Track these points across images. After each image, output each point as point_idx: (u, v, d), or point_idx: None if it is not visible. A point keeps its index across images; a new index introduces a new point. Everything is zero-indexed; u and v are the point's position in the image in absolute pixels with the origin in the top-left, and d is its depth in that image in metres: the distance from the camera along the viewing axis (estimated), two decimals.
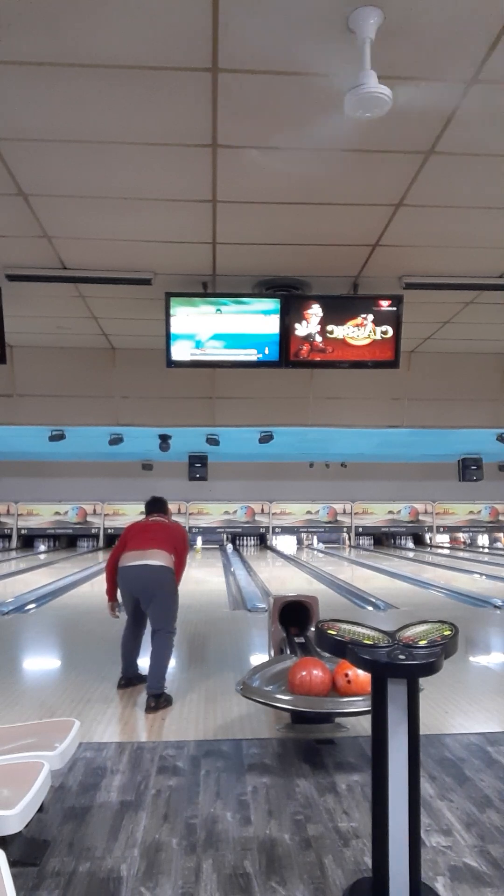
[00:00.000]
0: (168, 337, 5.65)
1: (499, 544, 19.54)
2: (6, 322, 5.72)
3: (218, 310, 5.63)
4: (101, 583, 12.15)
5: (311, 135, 3.55)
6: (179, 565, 4.78)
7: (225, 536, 18.90)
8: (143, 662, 4.63)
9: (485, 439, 10.99)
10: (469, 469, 16.17)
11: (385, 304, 5.69)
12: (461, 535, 19.88)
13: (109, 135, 3.56)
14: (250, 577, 12.21)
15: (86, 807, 2.98)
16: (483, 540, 19.77)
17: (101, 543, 18.78)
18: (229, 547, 18.51)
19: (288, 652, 4.34)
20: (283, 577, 12.98)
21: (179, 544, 4.83)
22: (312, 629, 4.50)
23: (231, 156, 3.76)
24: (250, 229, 4.75)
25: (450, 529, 19.79)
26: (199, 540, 18.49)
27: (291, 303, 5.66)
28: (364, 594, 9.75)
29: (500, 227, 4.72)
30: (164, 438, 11.26)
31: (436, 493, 19.23)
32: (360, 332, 5.73)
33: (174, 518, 5.36)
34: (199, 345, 5.72)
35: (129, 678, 4.75)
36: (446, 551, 18.15)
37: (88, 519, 18.88)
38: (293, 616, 4.68)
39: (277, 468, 17.86)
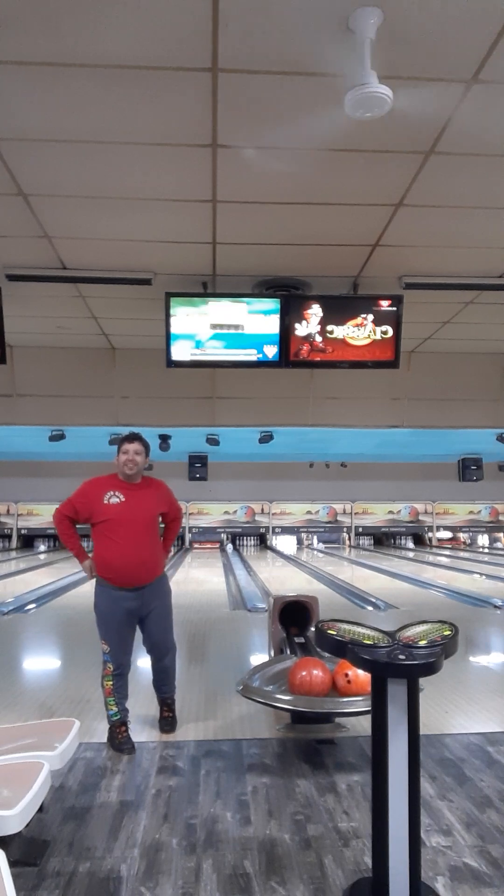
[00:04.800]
0: (168, 337, 5.65)
1: (499, 544, 19.54)
2: (6, 322, 5.73)
3: None
4: None
5: (311, 135, 3.55)
6: None
7: (225, 536, 18.89)
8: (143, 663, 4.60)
9: (485, 439, 11.00)
10: (469, 469, 16.19)
11: (385, 304, 5.69)
12: (461, 535, 19.87)
13: (109, 135, 3.56)
14: (250, 577, 12.21)
15: (86, 807, 2.98)
16: (483, 540, 19.76)
17: None
18: (229, 547, 18.50)
19: (288, 652, 4.34)
20: (283, 577, 12.98)
21: None
22: (312, 629, 4.49)
23: (231, 156, 3.76)
24: (250, 229, 4.75)
25: (450, 529, 19.78)
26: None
27: (291, 303, 5.66)
28: (364, 594, 9.74)
29: (500, 227, 4.73)
30: (164, 438, 11.26)
31: (436, 493, 19.22)
32: (360, 332, 5.73)
33: None
34: (199, 345, 5.71)
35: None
36: (446, 551, 18.15)
37: None
38: (293, 616, 4.68)
39: (277, 468, 17.85)
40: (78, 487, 3.85)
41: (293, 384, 8.19)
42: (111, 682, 3.68)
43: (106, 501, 3.74)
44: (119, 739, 3.62)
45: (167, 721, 3.90)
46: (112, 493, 3.76)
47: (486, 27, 2.79)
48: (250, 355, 5.75)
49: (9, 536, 18.60)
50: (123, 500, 3.76)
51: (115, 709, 3.66)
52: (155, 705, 3.97)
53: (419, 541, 19.81)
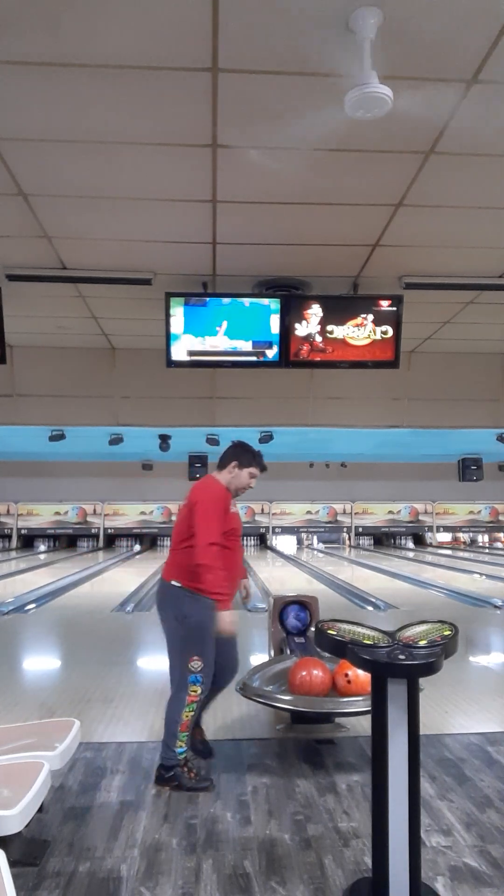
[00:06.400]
0: (168, 337, 5.65)
1: (499, 544, 19.54)
2: (6, 322, 5.72)
3: None
4: (100, 582, 12.15)
5: (311, 134, 3.54)
6: (195, 541, 3.13)
7: None
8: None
9: (485, 439, 10.98)
10: (469, 469, 16.16)
11: (385, 304, 5.69)
12: (461, 535, 19.88)
13: (109, 135, 3.56)
14: (250, 577, 12.20)
15: (86, 807, 2.98)
16: (483, 540, 19.77)
17: (100, 543, 18.77)
18: None
19: (288, 652, 4.34)
20: (283, 577, 12.98)
21: (194, 512, 3.20)
22: (312, 629, 4.49)
23: (231, 156, 3.76)
24: (250, 229, 4.75)
25: (450, 529, 19.79)
26: None
27: (291, 303, 5.65)
28: (364, 594, 9.75)
29: (500, 227, 4.72)
30: (164, 438, 11.26)
31: (436, 493, 19.23)
32: (360, 332, 5.72)
33: None
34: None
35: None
36: (446, 551, 18.15)
37: (88, 519, 18.89)
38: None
39: (277, 468, 17.74)
40: (207, 498, 3.21)
41: (293, 384, 8.18)
42: (192, 713, 3.16)
43: (233, 510, 3.32)
44: (193, 778, 3.14)
45: (206, 745, 3.54)
46: (230, 500, 3.35)
47: (486, 27, 2.79)
48: (250, 355, 5.74)
49: (9, 536, 18.62)
50: (236, 510, 3.40)
51: (184, 746, 3.16)
52: (154, 706, 3.95)
53: (419, 541, 19.82)
